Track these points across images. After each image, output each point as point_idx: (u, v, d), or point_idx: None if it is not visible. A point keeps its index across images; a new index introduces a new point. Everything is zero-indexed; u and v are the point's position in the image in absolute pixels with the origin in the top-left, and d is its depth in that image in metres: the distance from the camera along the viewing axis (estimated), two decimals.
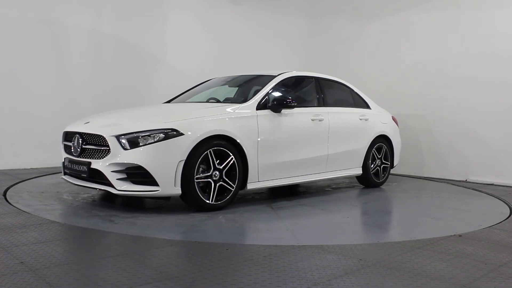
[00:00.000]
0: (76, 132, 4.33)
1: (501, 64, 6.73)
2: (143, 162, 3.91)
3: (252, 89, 5.29)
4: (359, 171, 5.92)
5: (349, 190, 5.98)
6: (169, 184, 3.97)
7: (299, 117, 5.06)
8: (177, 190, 4.02)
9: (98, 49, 7.43)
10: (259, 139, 4.55)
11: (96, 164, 4.04)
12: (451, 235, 3.67)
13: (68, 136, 4.54)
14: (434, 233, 3.71)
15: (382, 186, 6.25)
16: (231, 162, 4.31)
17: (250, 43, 8.89)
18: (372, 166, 6.06)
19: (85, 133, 4.25)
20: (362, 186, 6.21)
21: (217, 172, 4.22)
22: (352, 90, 6.18)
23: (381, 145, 6.21)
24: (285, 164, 4.86)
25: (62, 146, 4.69)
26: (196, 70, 7.81)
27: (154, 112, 4.79)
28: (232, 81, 5.78)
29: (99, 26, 7.41)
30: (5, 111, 6.49)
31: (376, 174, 6.17)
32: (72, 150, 4.32)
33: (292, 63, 8.87)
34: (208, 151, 4.13)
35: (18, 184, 5.32)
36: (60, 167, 4.82)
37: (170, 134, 3.99)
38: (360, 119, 5.91)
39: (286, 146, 4.87)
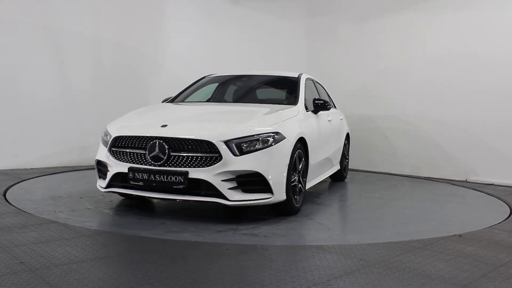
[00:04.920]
0: (157, 137, 3.73)
1: (502, 64, 6.72)
2: (261, 168, 3.65)
3: (280, 90, 5.49)
4: (338, 166, 6.26)
5: (335, 184, 6.31)
6: (280, 190, 3.78)
7: (323, 118, 5.27)
8: (284, 196, 3.85)
9: (98, 51, 7.43)
10: (312, 140, 4.60)
11: (198, 173, 3.59)
12: (451, 235, 3.67)
13: (124, 141, 3.91)
14: (434, 233, 3.71)
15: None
16: (303, 163, 4.31)
17: (250, 43, 8.88)
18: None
19: (176, 138, 3.68)
20: (330, 180, 6.57)
21: (296, 174, 4.14)
22: (326, 91, 6.43)
23: (346, 143, 6.64)
24: (319, 163, 5.00)
25: (108, 154, 3.98)
26: (195, 70, 7.79)
27: (220, 112, 4.54)
28: (243, 81, 5.73)
29: (99, 29, 7.41)
30: (5, 111, 6.49)
31: (345, 168, 6.66)
32: (150, 158, 3.71)
33: (291, 63, 8.86)
34: (296, 153, 4.06)
35: (18, 184, 5.31)
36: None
37: (277, 138, 3.81)
38: (340, 119, 6.30)
39: (320, 146, 5.03)
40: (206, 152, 3.63)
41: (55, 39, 6.94)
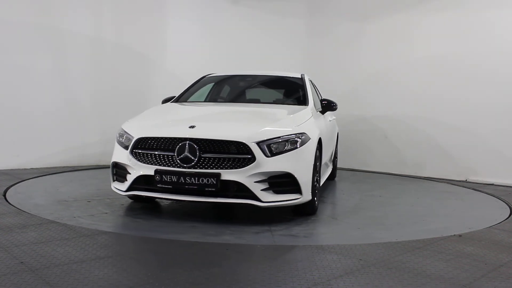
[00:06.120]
0: (186, 138, 3.63)
1: (502, 63, 6.73)
2: (292, 169, 3.66)
3: (286, 90, 5.49)
4: (331, 165, 6.25)
5: (328, 183, 6.36)
6: (307, 190, 3.79)
7: (328, 118, 5.30)
8: (310, 196, 3.86)
9: (98, 51, 7.42)
10: (324, 140, 4.62)
11: (231, 175, 3.54)
12: (451, 235, 3.67)
13: (149, 143, 3.77)
14: (434, 233, 3.71)
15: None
16: (319, 163, 4.32)
17: (250, 43, 8.87)
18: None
19: (207, 140, 3.60)
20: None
21: (316, 174, 4.14)
22: (319, 91, 6.47)
23: (336, 142, 6.64)
24: (325, 163, 5.04)
25: (130, 156, 3.81)
26: (195, 70, 7.78)
27: (240, 113, 4.49)
28: (248, 81, 5.71)
29: (99, 29, 7.41)
30: (5, 112, 6.49)
31: (335, 167, 6.69)
32: (180, 160, 3.60)
33: (291, 63, 8.86)
34: (317, 153, 4.08)
35: (18, 184, 5.30)
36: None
37: (303, 138, 3.83)
38: (334, 119, 6.30)
39: (328, 146, 5.08)
40: (238, 153, 3.59)
41: (55, 39, 6.94)
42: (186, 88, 5.55)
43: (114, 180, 4.14)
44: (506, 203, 5.26)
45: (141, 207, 4.37)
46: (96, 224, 3.63)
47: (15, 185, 5.24)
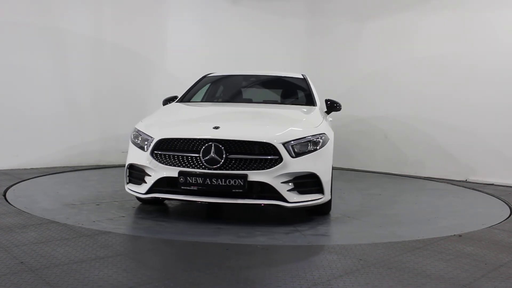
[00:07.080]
0: (211, 139, 3.56)
1: (502, 63, 6.73)
2: (316, 169, 3.69)
3: (290, 90, 5.47)
4: None
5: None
6: (328, 190, 3.84)
7: (329, 118, 5.25)
8: (329, 196, 3.90)
9: (98, 51, 7.43)
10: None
11: (259, 176, 3.52)
12: (451, 235, 3.67)
13: (171, 144, 3.68)
14: (434, 233, 3.71)
15: None
16: None
17: (250, 43, 8.88)
18: None
19: (234, 141, 3.56)
20: None
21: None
22: None
23: None
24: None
25: (151, 158, 3.70)
26: (195, 71, 7.78)
27: (257, 113, 4.46)
28: (251, 81, 5.67)
29: (99, 29, 7.42)
30: (5, 112, 6.49)
31: None
32: (205, 162, 3.54)
33: (291, 63, 8.86)
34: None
35: (18, 184, 5.30)
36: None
37: (324, 139, 3.86)
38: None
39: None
40: (265, 154, 3.58)
41: (55, 39, 6.94)
42: (188, 87, 5.51)
43: (128, 182, 4.04)
44: (506, 203, 5.26)
45: (155, 209, 4.30)
46: (118, 228, 3.56)
47: (15, 185, 5.24)
